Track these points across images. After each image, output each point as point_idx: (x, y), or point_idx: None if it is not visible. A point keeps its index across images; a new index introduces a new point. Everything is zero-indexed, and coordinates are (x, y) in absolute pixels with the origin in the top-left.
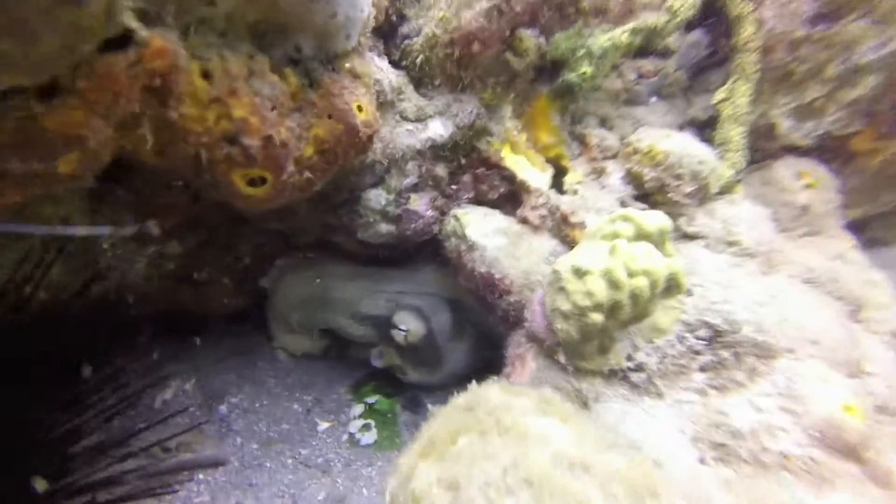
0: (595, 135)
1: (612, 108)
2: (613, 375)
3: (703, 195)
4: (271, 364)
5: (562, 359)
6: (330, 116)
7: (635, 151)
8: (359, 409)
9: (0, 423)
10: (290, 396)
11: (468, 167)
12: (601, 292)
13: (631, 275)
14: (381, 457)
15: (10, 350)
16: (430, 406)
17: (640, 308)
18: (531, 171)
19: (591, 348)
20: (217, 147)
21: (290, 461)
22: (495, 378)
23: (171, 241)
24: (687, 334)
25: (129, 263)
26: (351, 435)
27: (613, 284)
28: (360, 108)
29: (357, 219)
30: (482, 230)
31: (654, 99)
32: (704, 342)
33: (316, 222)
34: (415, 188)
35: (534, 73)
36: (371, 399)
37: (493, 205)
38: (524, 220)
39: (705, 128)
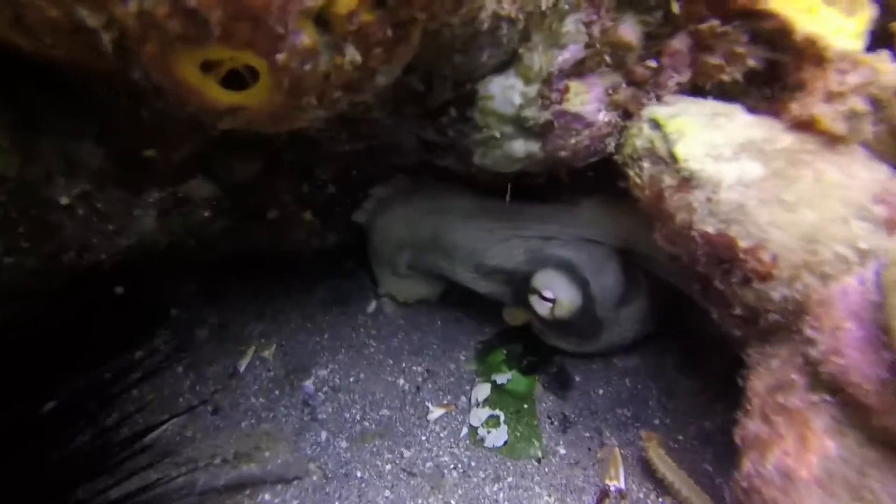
0: None
1: None
2: None
3: None
4: (373, 318)
5: None
6: None
7: None
8: (484, 390)
9: None
10: (394, 366)
11: (685, 19)
12: None
13: None
14: (512, 469)
15: None
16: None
17: None
18: (827, 17)
19: None
20: (114, 3)
21: (388, 467)
22: None
23: (193, 180)
24: None
25: (122, 221)
26: (473, 429)
27: None
28: None
29: (471, 133)
30: (711, 146)
31: None
32: None
33: (407, 138)
34: (577, 70)
35: None
36: (501, 376)
37: (730, 95)
38: (805, 125)
39: None
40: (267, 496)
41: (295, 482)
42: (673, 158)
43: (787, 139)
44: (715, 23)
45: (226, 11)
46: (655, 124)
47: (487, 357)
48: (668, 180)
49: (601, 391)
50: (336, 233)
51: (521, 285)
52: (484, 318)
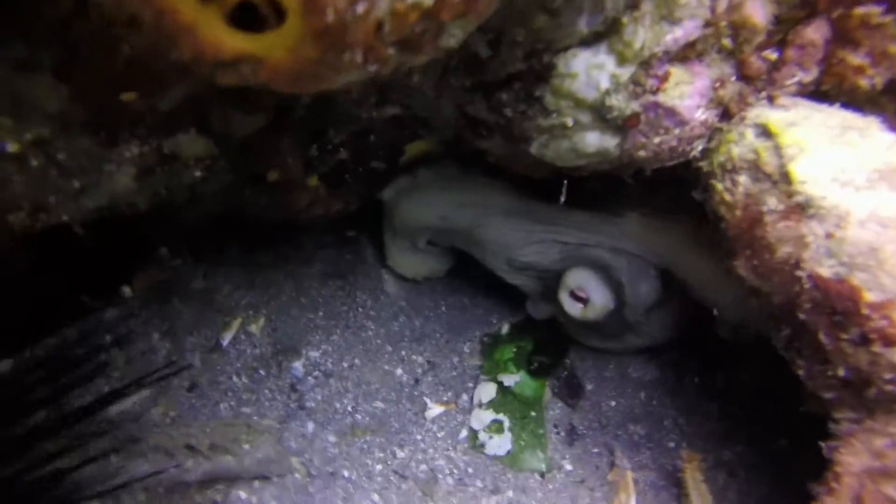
0: None
1: None
2: None
3: None
4: (374, 296)
5: None
6: None
7: None
8: (489, 391)
9: None
10: (393, 353)
11: (832, 1)
12: None
13: None
14: (513, 482)
15: None
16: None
17: None
18: None
19: None
20: None
21: (378, 467)
22: None
23: (184, 134)
24: None
25: (89, 177)
26: (473, 432)
27: None
28: None
29: (536, 116)
30: (839, 168)
31: None
32: None
33: (446, 110)
34: (685, 53)
35: None
36: (509, 377)
37: (857, 104)
38: None
39: None
40: (243, 494)
41: (275, 479)
42: (785, 178)
43: None
44: (874, 10)
45: None
46: (765, 132)
47: (494, 353)
48: (773, 203)
49: (613, 403)
50: (343, 201)
51: (552, 281)
52: (492, 306)
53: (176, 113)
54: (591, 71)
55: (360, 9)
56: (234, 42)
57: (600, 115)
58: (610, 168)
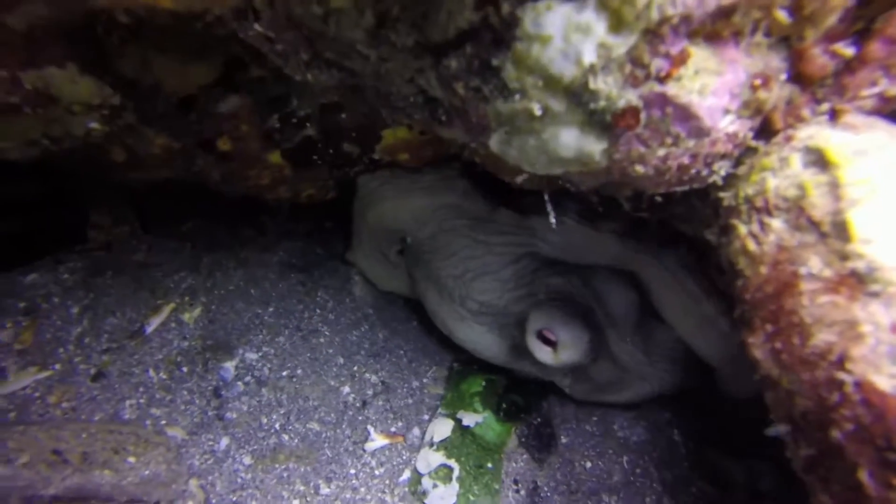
0: None
1: None
2: None
3: None
4: (337, 298)
5: None
6: None
7: None
8: (444, 428)
9: None
10: (344, 367)
11: None
12: None
13: None
14: None
15: None
16: (569, 450)
17: None
18: None
19: None
20: None
21: (295, 502)
22: None
23: (55, 68)
24: None
25: None
26: (417, 475)
27: None
28: None
29: (493, 96)
30: None
31: None
32: None
33: (400, 84)
34: (714, 26)
35: None
36: (471, 416)
37: None
38: None
39: None
40: None
41: None
42: (841, 230)
43: None
44: None
45: None
46: (820, 160)
47: (461, 383)
48: (817, 266)
49: (589, 464)
50: (314, 186)
51: (516, 329)
52: None
53: (39, 37)
54: (570, 35)
55: None
56: None
57: (580, 103)
58: (597, 183)
